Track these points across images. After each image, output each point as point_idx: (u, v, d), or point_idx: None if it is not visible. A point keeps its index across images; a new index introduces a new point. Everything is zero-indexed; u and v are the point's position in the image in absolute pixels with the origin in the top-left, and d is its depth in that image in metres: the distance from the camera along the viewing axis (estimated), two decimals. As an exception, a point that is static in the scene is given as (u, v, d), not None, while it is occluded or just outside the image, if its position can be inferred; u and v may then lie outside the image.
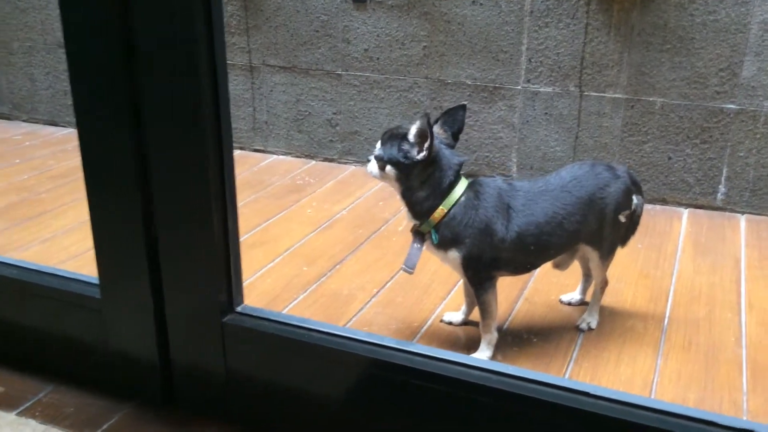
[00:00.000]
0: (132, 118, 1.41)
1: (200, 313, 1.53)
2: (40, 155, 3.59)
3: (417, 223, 1.87)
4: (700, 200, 2.94)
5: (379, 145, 1.87)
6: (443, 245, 1.84)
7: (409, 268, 1.86)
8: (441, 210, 1.82)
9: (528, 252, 1.88)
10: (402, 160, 1.81)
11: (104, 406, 1.65)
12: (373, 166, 1.87)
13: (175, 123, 1.39)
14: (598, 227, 1.94)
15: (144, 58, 1.36)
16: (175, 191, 1.45)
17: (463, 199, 1.83)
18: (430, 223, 1.83)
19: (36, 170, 3.35)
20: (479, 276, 1.88)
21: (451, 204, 1.82)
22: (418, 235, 1.88)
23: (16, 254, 2.47)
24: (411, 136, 1.80)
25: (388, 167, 1.83)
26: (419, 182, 1.82)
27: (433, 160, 1.80)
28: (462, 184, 1.85)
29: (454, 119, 1.88)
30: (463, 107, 1.88)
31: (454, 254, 1.84)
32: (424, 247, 1.90)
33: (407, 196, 1.85)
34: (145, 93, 1.39)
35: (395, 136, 1.83)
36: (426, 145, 1.77)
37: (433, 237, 1.84)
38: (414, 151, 1.79)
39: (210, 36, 1.34)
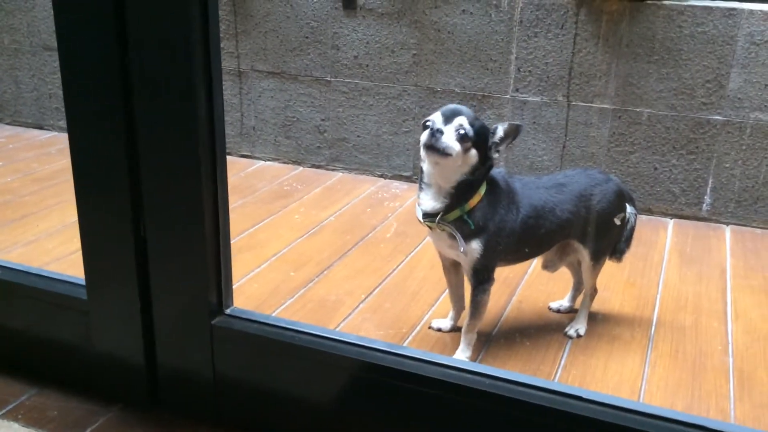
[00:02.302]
0: (123, 117, 1.40)
1: (189, 314, 1.51)
2: (24, 158, 3.55)
3: (439, 214, 1.81)
4: (686, 211, 2.96)
5: (441, 123, 1.75)
6: (470, 234, 1.81)
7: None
8: (478, 195, 1.81)
9: (527, 237, 1.90)
10: (490, 150, 1.79)
11: (89, 409, 1.63)
12: (453, 141, 1.73)
13: (168, 124, 1.38)
14: (589, 225, 1.96)
15: (137, 58, 1.35)
16: (166, 192, 1.44)
17: (486, 187, 1.84)
18: (464, 208, 1.80)
19: (20, 173, 3.31)
20: (486, 271, 1.87)
21: (484, 191, 1.83)
22: (442, 226, 1.83)
23: (-2, 256, 2.44)
24: (500, 133, 1.79)
25: (474, 151, 1.76)
26: (477, 170, 1.80)
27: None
28: None
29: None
30: (520, 128, 1.84)
31: (476, 245, 1.82)
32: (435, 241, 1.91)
33: (463, 182, 1.79)
34: (137, 94, 1.38)
35: (474, 118, 1.77)
36: (500, 148, 1.80)
37: (470, 222, 1.80)
38: (494, 149, 1.80)
39: (205, 38, 1.33)
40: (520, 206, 1.87)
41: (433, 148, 1.72)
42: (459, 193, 1.80)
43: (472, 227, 1.80)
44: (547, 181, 1.99)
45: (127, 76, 1.37)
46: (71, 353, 1.67)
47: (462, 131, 1.73)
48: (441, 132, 1.72)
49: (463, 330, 1.94)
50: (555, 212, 1.91)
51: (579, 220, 1.96)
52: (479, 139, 1.76)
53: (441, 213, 1.81)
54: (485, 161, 1.79)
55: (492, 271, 1.89)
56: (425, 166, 1.82)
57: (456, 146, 1.72)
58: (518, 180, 1.96)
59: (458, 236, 1.80)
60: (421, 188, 1.86)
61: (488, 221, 1.82)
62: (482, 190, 1.82)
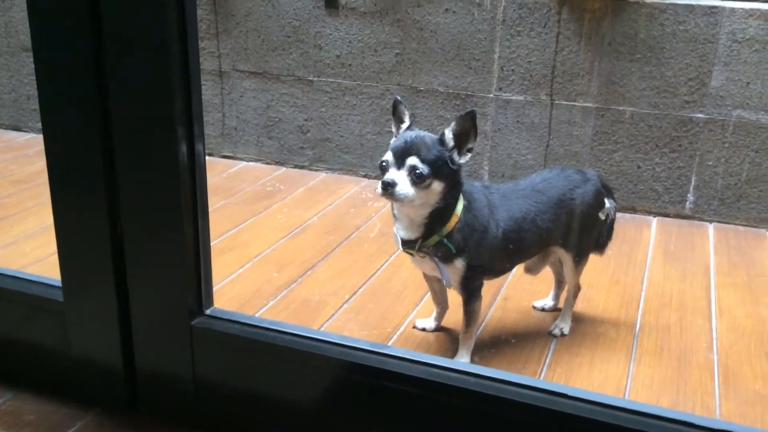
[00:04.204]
0: (100, 118, 1.37)
1: (168, 316, 1.48)
2: (2, 160, 3.50)
3: (418, 240, 1.75)
4: (669, 209, 2.96)
5: (393, 165, 1.67)
6: (452, 256, 1.76)
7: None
8: (455, 216, 1.75)
9: (510, 250, 1.87)
10: (452, 167, 1.70)
11: (66, 413, 1.59)
12: (407, 188, 1.65)
13: (146, 125, 1.35)
14: (571, 229, 1.94)
15: (114, 58, 1.32)
16: (143, 192, 1.41)
17: (463, 203, 1.78)
18: (442, 232, 1.74)
19: (-3, 175, 3.27)
20: (474, 283, 1.83)
21: (461, 209, 1.76)
22: (422, 252, 1.77)
23: (-25, 259, 2.40)
24: (449, 138, 1.69)
25: (436, 182, 1.68)
26: (447, 194, 1.72)
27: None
28: None
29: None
30: (472, 115, 1.69)
31: (460, 263, 1.77)
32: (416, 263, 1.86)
33: (434, 211, 1.72)
34: (113, 93, 1.35)
35: (427, 147, 1.67)
36: (469, 146, 1.70)
37: (451, 246, 1.75)
38: (455, 154, 1.70)
39: (183, 37, 1.30)
40: (500, 220, 1.83)
41: (390, 197, 1.67)
42: (434, 220, 1.74)
43: (454, 251, 1.75)
44: (525, 187, 1.93)
45: (103, 75, 1.34)
46: (48, 356, 1.63)
47: (417, 171, 1.65)
48: (393, 184, 1.65)
49: (460, 337, 1.91)
50: (536, 222, 1.88)
51: (560, 227, 1.93)
52: (438, 168, 1.68)
53: (420, 240, 1.76)
54: (452, 181, 1.72)
55: (479, 281, 1.86)
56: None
57: (411, 191, 1.66)
58: (495, 191, 1.90)
59: (442, 270, 1.76)
60: (394, 217, 1.80)
61: (469, 240, 1.77)
62: (459, 209, 1.76)
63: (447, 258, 1.77)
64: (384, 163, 1.70)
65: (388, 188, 1.65)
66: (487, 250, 1.82)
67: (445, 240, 1.75)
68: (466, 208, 1.78)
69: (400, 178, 1.66)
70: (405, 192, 1.65)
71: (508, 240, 1.84)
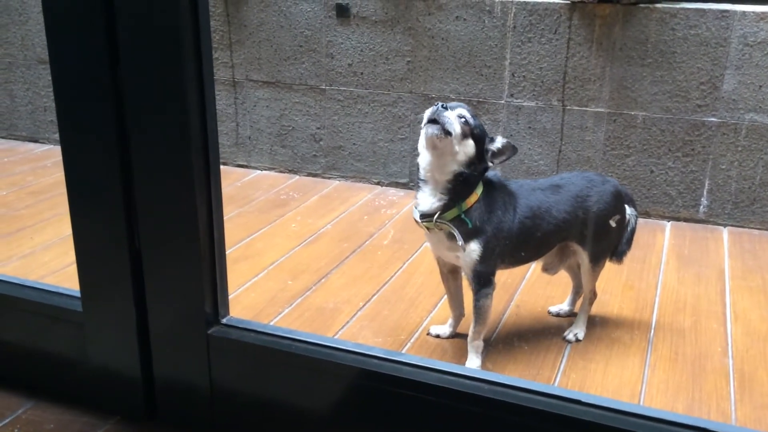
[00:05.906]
0: (116, 130, 1.39)
1: (185, 325, 1.50)
2: (20, 171, 3.54)
3: (437, 212, 1.81)
4: (683, 213, 2.96)
5: (446, 110, 1.78)
6: (468, 235, 1.81)
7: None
8: (475, 195, 1.82)
9: (525, 238, 1.90)
10: (486, 146, 1.82)
11: (86, 422, 1.61)
12: (455, 121, 1.77)
13: (161, 134, 1.37)
14: (587, 226, 1.95)
15: (130, 71, 1.35)
16: (160, 203, 1.43)
17: (483, 189, 1.86)
18: (461, 207, 1.81)
19: (15, 186, 3.30)
20: (486, 275, 1.86)
21: (480, 192, 1.84)
22: (439, 225, 1.84)
23: (-6, 270, 2.43)
24: (496, 145, 1.83)
25: (471, 141, 1.80)
26: (473, 165, 1.82)
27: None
28: None
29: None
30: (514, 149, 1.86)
31: (475, 245, 1.82)
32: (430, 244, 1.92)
33: (459, 175, 1.80)
34: (129, 106, 1.37)
35: (473, 116, 1.81)
36: (497, 161, 1.84)
37: (468, 221, 1.81)
38: (490, 154, 1.83)
39: (197, 49, 1.32)
40: (517, 207, 1.88)
41: (436, 122, 1.75)
42: (456, 190, 1.81)
43: (470, 226, 1.80)
44: (543, 183, 1.99)
45: (119, 88, 1.37)
46: (67, 366, 1.66)
47: (464, 118, 1.78)
48: (446, 107, 1.77)
49: (468, 339, 1.93)
50: (551, 213, 1.91)
51: (576, 222, 1.95)
52: (478, 132, 1.80)
53: (438, 212, 1.81)
54: (481, 159, 1.82)
55: (492, 274, 1.88)
56: (422, 159, 1.83)
57: (457, 127, 1.76)
58: (514, 182, 1.97)
59: (457, 233, 1.81)
60: (418, 187, 1.87)
61: (485, 222, 1.83)
62: (479, 190, 1.84)
63: (466, 238, 1.81)
64: (429, 107, 1.79)
65: (440, 109, 1.75)
66: (502, 235, 1.85)
67: (463, 215, 1.81)
68: (485, 193, 1.85)
69: (451, 114, 1.77)
70: (452, 121, 1.76)
71: (523, 227, 1.88)
